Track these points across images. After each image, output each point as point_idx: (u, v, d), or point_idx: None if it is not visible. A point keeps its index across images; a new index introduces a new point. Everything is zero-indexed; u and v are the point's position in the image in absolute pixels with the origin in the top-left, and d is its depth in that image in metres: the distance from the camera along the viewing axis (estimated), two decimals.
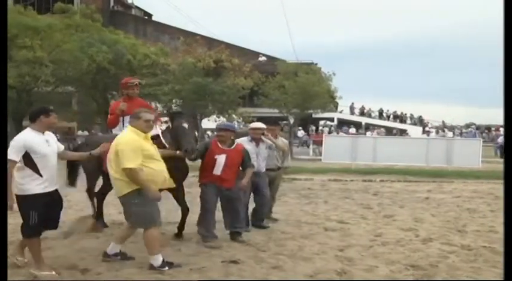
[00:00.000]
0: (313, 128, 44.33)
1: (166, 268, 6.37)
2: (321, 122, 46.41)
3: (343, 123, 47.73)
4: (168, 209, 8.74)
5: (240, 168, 8.13)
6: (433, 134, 42.81)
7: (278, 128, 10.24)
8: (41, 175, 5.98)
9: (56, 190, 6.30)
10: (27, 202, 5.93)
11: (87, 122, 43.29)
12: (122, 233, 6.94)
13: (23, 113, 32.48)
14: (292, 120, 39.52)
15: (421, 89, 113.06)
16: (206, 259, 6.94)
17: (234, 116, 34.12)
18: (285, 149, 9.69)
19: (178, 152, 7.31)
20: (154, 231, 6.44)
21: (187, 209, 8.07)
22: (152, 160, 6.34)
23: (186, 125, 7.43)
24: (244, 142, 8.77)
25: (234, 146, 8.04)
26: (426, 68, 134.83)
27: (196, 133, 8.04)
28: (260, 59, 47.99)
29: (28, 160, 5.91)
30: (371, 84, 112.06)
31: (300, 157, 29.92)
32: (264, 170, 9.01)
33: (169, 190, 7.74)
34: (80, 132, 41.47)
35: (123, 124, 8.22)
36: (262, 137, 9.01)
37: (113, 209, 9.98)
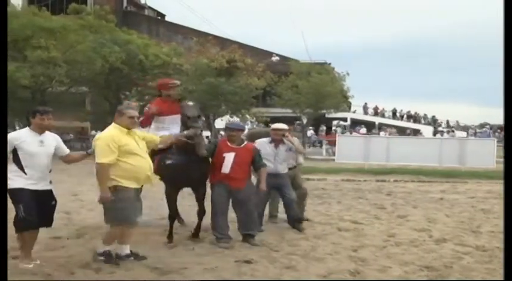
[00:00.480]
0: (324, 128, 44.14)
1: (103, 258, 6.50)
2: (334, 122, 46.29)
3: (356, 123, 47.53)
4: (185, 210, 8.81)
5: (253, 168, 8.06)
6: (444, 134, 42.51)
7: (290, 127, 10.11)
8: (24, 172, 6.13)
9: (47, 190, 6.36)
10: (13, 195, 6.07)
11: (101, 122, 43.47)
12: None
13: None
14: (305, 120, 39.47)
15: (435, 88, 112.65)
16: (219, 258, 6.93)
17: (247, 116, 34.17)
18: (303, 151, 9.58)
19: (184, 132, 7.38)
20: (119, 228, 6.53)
21: (204, 211, 8.02)
22: (132, 155, 6.34)
23: (190, 103, 7.70)
24: (263, 142, 8.79)
25: (243, 144, 7.99)
26: (440, 67, 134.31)
27: (203, 118, 7.96)
28: (273, 58, 47.91)
29: (15, 156, 6.11)
30: (384, 84, 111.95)
31: (313, 157, 29.84)
32: (284, 171, 8.93)
33: (192, 188, 7.96)
34: (93, 132, 41.64)
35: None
36: (284, 139, 8.94)
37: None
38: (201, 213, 8.03)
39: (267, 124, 35.78)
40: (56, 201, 6.55)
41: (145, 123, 8.25)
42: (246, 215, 7.93)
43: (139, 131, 6.84)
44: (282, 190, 8.84)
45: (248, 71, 33.75)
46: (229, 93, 31.03)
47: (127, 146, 6.32)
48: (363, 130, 42.53)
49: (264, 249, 7.49)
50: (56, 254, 7.02)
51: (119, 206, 6.31)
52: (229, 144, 7.87)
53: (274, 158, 8.75)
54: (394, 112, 55.22)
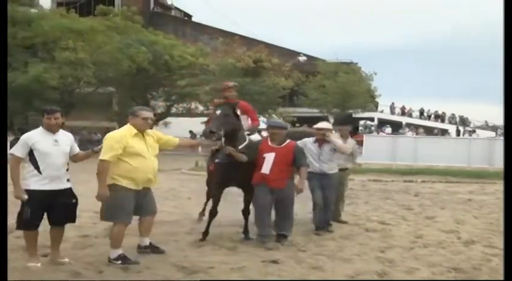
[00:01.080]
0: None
1: (120, 262, 6.47)
2: (361, 122, 46.10)
3: (383, 123, 47.23)
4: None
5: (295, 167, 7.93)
6: (466, 135, 42.03)
7: (347, 127, 9.94)
8: (40, 172, 6.20)
9: (64, 189, 6.40)
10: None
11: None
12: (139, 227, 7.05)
13: (65, 113, 33.03)
14: (332, 120, 39.36)
15: (463, 88, 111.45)
16: (246, 258, 6.93)
17: (274, 115, 34.18)
18: (346, 151, 9.18)
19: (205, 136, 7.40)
20: (116, 227, 6.53)
21: (248, 211, 8.08)
22: (135, 157, 6.41)
23: (217, 112, 7.53)
24: (307, 142, 8.67)
25: (284, 144, 7.84)
26: (467, 66, 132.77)
27: (234, 121, 7.87)
28: (300, 58, 47.75)
29: (31, 156, 6.20)
30: (412, 83, 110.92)
31: None
32: (331, 171, 8.74)
33: (242, 189, 8.05)
34: None
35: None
36: (328, 138, 8.69)
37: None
38: (246, 212, 8.12)
39: (293, 124, 35.78)
40: (76, 199, 6.57)
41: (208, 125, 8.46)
42: (283, 216, 7.84)
43: (157, 132, 6.97)
44: (323, 190, 8.68)
45: (275, 71, 33.74)
46: (255, 93, 31.07)
47: (132, 148, 6.40)
48: (388, 130, 42.23)
49: (291, 249, 7.47)
50: (85, 252, 7.10)
51: (115, 205, 6.40)
52: (270, 143, 7.78)
53: (319, 157, 8.61)
54: (421, 112, 54.76)
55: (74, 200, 6.53)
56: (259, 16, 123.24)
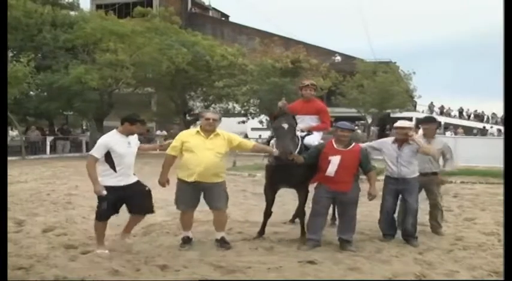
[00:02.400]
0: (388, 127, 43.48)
1: (180, 242, 7.53)
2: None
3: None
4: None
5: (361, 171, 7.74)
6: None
7: (433, 125, 9.10)
8: (115, 171, 6.97)
9: (135, 182, 7.23)
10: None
11: (166, 122, 44.31)
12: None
13: (105, 113, 33.52)
14: (369, 120, 39.08)
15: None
16: (283, 258, 6.93)
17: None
18: (432, 153, 8.32)
19: (275, 150, 7.50)
20: (181, 214, 7.55)
21: (304, 213, 8.01)
22: (188, 152, 7.21)
23: (285, 126, 7.48)
24: (385, 142, 8.31)
25: (350, 146, 7.58)
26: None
27: (297, 133, 7.90)
28: (335, 58, 47.43)
29: (108, 157, 6.94)
30: (450, 83, 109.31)
31: (377, 157, 29.43)
32: (410, 175, 8.04)
33: (296, 190, 8.09)
34: (158, 132, 42.45)
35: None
36: (409, 139, 8.03)
37: None
38: (300, 214, 8.12)
39: (331, 124, 35.55)
40: (148, 187, 7.38)
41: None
42: (346, 219, 7.65)
43: (232, 135, 7.53)
44: (404, 197, 8.14)
45: (313, 71, 33.62)
46: (293, 93, 31.01)
47: (187, 144, 7.23)
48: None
49: (329, 249, 7.44)
50: (123, 250, 7.18)
51: (175, 194, 7.40)
52: (335, 146, 7.53)
53: (397, 160, 8.00)
54: (460, 111, 53.90)
55: (147, 188, 7.35)
56: (296, 16, 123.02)
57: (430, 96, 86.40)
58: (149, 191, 7.35)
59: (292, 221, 9.37)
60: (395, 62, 41.25)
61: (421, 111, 51.21)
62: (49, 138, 31.93)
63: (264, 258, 6.94)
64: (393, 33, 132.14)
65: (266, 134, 14.35)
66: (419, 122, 8.37)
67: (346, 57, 47.49)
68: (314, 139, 8.23)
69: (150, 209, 7.40)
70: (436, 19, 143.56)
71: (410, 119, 47.14)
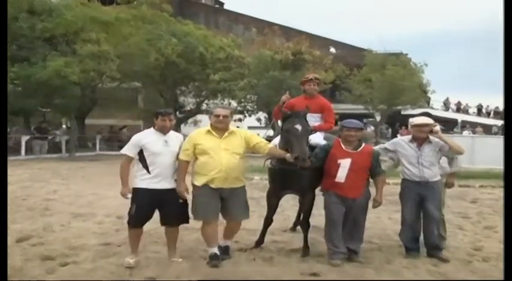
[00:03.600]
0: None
1: (208, 260, 7.10)
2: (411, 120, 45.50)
3: (436, 122, 46.39)
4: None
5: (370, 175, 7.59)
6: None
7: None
8: (149, 172, 6.96)
9: (172, 189, 7.01)
10: (133, 193, 7.02)
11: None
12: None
13: (87, 110, 33.32)
14: (378, 118, 38.97)
15: None
16: (283, 270, 6.92)
17: None
18: (461, 151, 7.96)
19: (288, 155, 7.05)
20: (202, 225, 7.22)
21: (308, 224, 7.92)
22: (202, 154, 7.02)
23: (298, 127, 7.24)
24: (402, 141, 8.06)
25: (360, 148, 7.47)
26: None
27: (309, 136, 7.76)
28: (329, 50, 46.63)
29: (141, 156, 7.01)
30: (468, 77, 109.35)
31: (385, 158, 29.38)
32: (434, 179, 7.81)
33: (301, 196, 8.14)
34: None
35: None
36: (430, 137, 7.84)
37: None
38: (305, 225, 7.99)
39: (335, 122, 35.51)
40: (184, 200, 7.14)
41: (276, 116, 8.51)
42: (354, 227, 7.52)
43: (250, 134, 7.39)
44: (424, 203, 7.82)
45: (315, 64, 33.56)
46: (294, 88, 30.98)
47: (200, 146, 7.04)
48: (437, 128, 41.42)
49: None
50: (107, 261, 7.16)
51: (193, 203, 7.11)
52: (344, 148, 7.42)
53: (418, 160, 7.78)
54: (479, 108, 53.83)
55: (181, 200, 7.10)
56: (298, 3, 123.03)
57: (446, 92, 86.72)
58: (184, 202, 7.13)
59: (293, 229, 9.35)
60: (406, 54, 41.22)
61: (435, 108, 51.15)
62: (24, 138, 31.77)
63: (262, 269, 6.92)
64: (404, 23, 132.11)
65: (264, 133, 14.24)
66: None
67: (353, 49, 47.44)
68: (320, 138, 8.16)
69: (184, 219, 7.19)
70: (453, 4, 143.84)
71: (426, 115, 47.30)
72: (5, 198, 5.67)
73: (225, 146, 7.02)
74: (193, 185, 7.10)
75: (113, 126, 42.72)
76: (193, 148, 7.04)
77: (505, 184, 4.63)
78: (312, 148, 7.70)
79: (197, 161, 7.06)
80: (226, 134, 7.10)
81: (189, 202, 7.16)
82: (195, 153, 7.05)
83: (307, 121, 7.49)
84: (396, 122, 43.03)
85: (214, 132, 7.10)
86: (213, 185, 6.93)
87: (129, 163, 7.02)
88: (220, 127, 7.11)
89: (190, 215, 7.14)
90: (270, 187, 8.14)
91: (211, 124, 7.20)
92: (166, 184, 6.98)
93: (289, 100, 8.24)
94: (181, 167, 7.08)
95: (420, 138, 7.85)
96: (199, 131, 7.30)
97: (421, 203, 7.83)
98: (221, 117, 7.08)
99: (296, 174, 7.40)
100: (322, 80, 32.62)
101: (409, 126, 8.27)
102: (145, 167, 6.95)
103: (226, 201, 7.06)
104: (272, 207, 8.16)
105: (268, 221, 8.20)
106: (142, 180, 6.95)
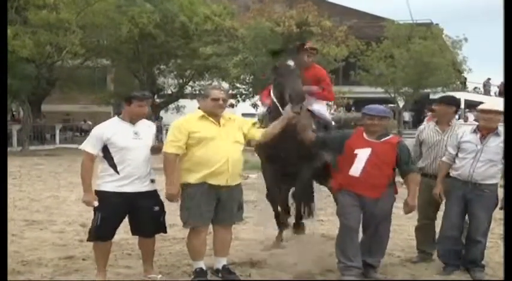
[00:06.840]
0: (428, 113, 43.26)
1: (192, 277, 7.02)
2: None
3: (474, 107, 46.21)
4: None
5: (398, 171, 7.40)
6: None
7: (449, 108, 8.38)
8: (117, 171, 6.71)
9: (146, 192, 6.86)
10: (97, 198, 6.73)
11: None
12: None
13: (43, 94, 33.03)
14: (401, 103, 38.75)
15: None
16: None
17: None
18: None
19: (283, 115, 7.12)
20: (189, 234, 7.13)
21: (302, 225, 8.14)
22: (202, 144, 6.80)
23: (291, 63, 7.33)
24: (464, 132, 7.75)
25: (385, 138, 7.32)
26: None
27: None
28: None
29: (106, 152, 6.72)
30: None
31: None
32: (490, 181, 7.54)
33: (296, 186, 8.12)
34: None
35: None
36: (500, 128, 7.43)
37: None
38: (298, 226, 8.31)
39: (348, 108, 35.43)
40: (160, 206, 7.01)
41: (263, 100, 8.62)
42: (375, 237, 7.45)
43: (242, 119, 7.40)
44: (472, 209, 7.65)
45: (324, 37, 33.42)
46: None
47: (197, 134, 6.79)
48: (472, 117, 41.32)
49: None
50: (69, 279, 7.18)
51: (182, 206, 6.95)
52: (365, 136, 7.29)
53: (476, 155, 7.51)
54: None
55: (157, 208, 6.95)
56: None
57: (486, 71, 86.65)
58: (160, 210, 7.01)
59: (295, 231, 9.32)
60: (437, 24, 40.99)
61: (474, 90, 50.88)
62: None
63: None
64: None
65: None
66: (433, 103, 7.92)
67: (371, 18, 47.25)
68: (324, 110, 8.16)
69: (161, 228, 7.11)
70: None
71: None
72: (5, 198, 5.77)
73: (226, 135, 6.92)
74: (184, 185, 6.85)
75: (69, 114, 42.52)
76: (187, 138, 6.79)
77: (505, 183, 4.69)
78: (322, 126, 7.80)
79: (188, 154, 6.84)
80: (223, 120, 7.00)
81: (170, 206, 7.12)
82: (187, 143, 6.81)
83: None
84: (423, 109, 42.62)
85: (211, 119, 6.93)
86: (213, 182, 6.79)
87: (91, 161, 6.73)
88: (218, 113, 6.96)
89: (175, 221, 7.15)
90: (264, 162, 8.18)
91: (204, 109, 6.98)
92: (139, 185, 6.79)
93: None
94: (169, 163, 6.82)
95: (486, 128, 7.56)
96: (191, 117, 7.07)
97: (468, 208, 7.68)
98: (221, 101, 6.91)
99: (284, 144, 7.40)
100: (333, 57, 32.69)
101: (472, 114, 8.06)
102: (113, 165, 6.69)
103: (223, 202, 6.97)
104: (272, 183, 8.21)
105: (271, 196, 8.31)
106: (109, 182, 6.70)
